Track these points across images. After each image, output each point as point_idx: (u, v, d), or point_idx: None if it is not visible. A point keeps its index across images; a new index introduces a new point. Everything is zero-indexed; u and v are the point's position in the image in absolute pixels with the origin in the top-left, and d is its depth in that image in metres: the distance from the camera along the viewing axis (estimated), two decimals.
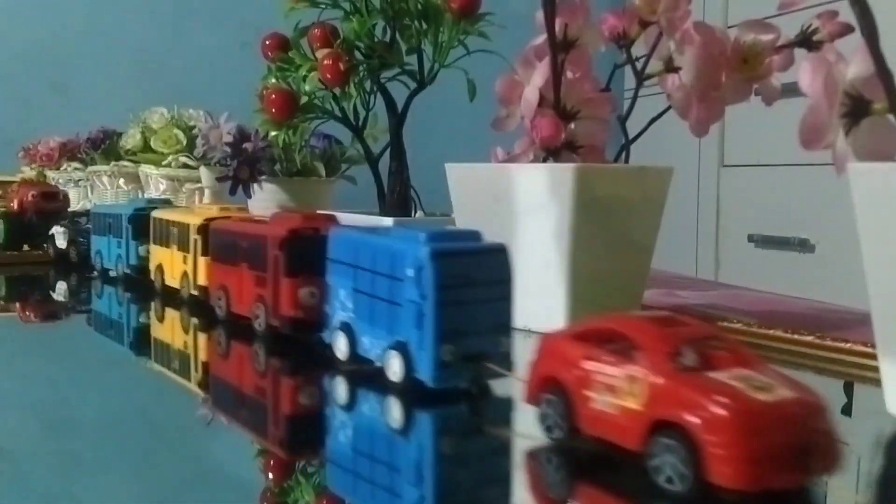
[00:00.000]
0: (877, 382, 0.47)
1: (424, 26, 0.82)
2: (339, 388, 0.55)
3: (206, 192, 1.29)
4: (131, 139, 1.36)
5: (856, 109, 0.46)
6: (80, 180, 1.54)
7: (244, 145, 0.99)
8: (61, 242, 1.11)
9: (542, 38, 0.71)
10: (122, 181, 1.42)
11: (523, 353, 0.46)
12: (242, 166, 0.99)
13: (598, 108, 0.72)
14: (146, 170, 1.34)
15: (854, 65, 0.46)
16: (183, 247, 0.79)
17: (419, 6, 0.81)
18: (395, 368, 0.49)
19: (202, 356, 0.69)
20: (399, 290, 0.49)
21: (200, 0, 2.22)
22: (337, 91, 0.82)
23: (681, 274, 1.16)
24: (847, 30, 0.63)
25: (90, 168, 1.48)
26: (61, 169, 1.57)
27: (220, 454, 0.46)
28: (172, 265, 0.82)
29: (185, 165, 1.31)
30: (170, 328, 0.80)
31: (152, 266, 0.87)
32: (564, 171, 0.65)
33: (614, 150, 0.74)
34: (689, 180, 2.08)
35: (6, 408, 0.54)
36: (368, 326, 0.52)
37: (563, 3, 0.69)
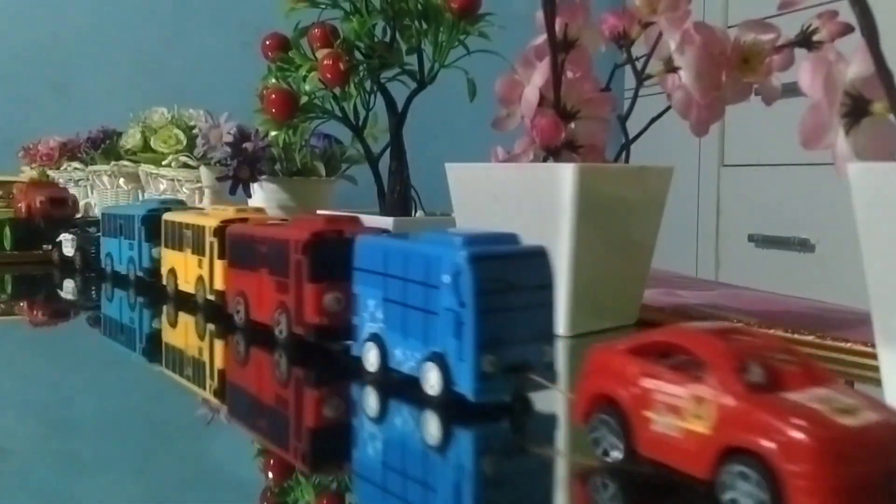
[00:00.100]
0: (877, 382, 0.47)
1: (424, 26, 0.82)
2: (370, 401, 0.52)
3: (206, 191, 1.29)
4: (131, 139, 1.36)
5: (856, 109, 0.46)
6: (80, 180, 1.54)
7: (244, 145, 0.99)
8: (68, 250, 1.09)
9: (542, 38, 0.71)
10: (122, 181, 1.42)
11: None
12: (242, 166, 0.99)
13: (598, 108, 0.72)
14: (146, 170, 1.34)
15: (854, 65, 0.46)
16: (198, 250, 0.77)
17: (419, 6, 0.81)
18: (432, 381, 0.46)
19: (219, 364, 0.67)
20: (434, 297, 0.46)
21: (200, 0, 2.21)
22: (337, 91, 0.82)
23: (681, 274, 1.16)
24: (847, 29, 0.63)
25: (90, 168, 1.48)
26: (61, 169, 1.57)
27: (220, 454, 0.46)
28: (186, 269, 0.79)
29: (185, 165, 1.31)
30: (184, 334, 0.77)
31: (164, 270, 0.84)
32: (564, 171, 0.65)
33: (614, 150, 0.74)
34: (689, 180, 2.08)
35: (6, 408, 0.54)
36: (401, 337, 0.49)
37: (563, 3, 0.69)
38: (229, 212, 0.76)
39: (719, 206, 2.07)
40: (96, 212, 1.36)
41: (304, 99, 0.83)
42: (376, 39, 0.81)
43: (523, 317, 0.46)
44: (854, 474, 0.30)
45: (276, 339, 0.62)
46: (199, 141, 1.20)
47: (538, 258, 0.47)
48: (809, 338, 0.63)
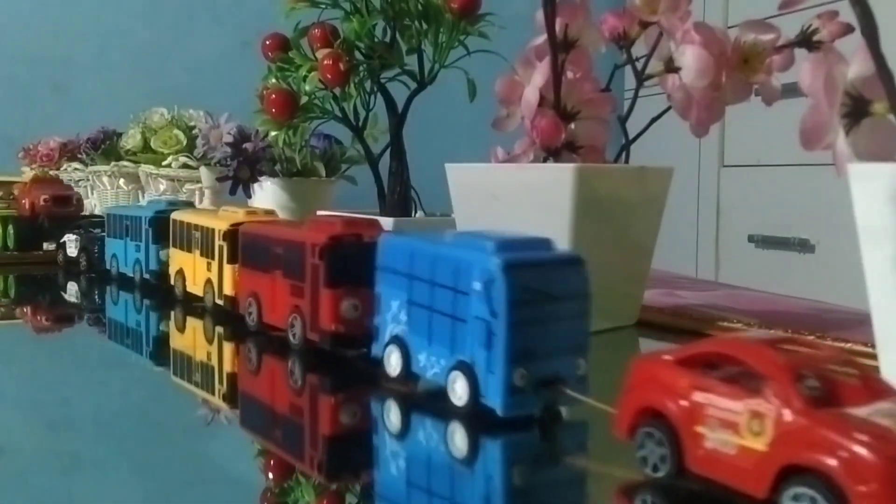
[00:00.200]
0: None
1: (424, 26, 0.82)
2: (391, 410, 0.50)
3: (207, 192, 1.29)
4: (131, 139, 1.36)
5: (856, 110, 0.46)
6: (80, 180, 1.54)
7: (244, 145, 0.99)
8: (72, 251, 1.07)
9: (542, 39, 0.71)
10: (122, 181, 1.42)
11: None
12: (243, 166, 0.99)
13: (598, 109, 0.72)
14: (146, 170, 1.34)
15: (854, 65, 0.46)
16: (207, 252, 0.75)
17: (419, 6, 0.81)
18: (459, 392, 0.44)
19: (231, 369, 0.65)
20: (464, 304, 0.44)
21: (200, 0, 2.22)
22: (337, 91, 0.82)
23: (681, 274, 1.16)
24: (847, 30, 0.63)
25: (90, 168, 1.48)
26: (61, 169, 1.57)
27: (220, 454, 0.46)
28: (195, 271, 0.78)
29: (186, 166, 1.31)
30: (192, 338, 0.75)
31: (172, 270, 0.82)
32: (564, 172, 0.65)
33: (614, 151, 0.74)
34: (689, 180, 2.08)
35: (6, 408, 0.54)
36: (426, 342, 0.47)
37: (563, 3, 0.69)
38: (239, 214, 0.74)
39: (719, 206, 2.07)
40: (97, 212, 1.36)
41: (305, 99, 0.83)
42: (376, 40, 0.81)
43: (557, 328, 0.44)
44: None
45: (289, 345, 0.61)
46: (199, 141, 1.20)
47: (574, 266, 0.45)
48: (809, 338, 0.63)
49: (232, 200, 0.99)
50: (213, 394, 0.58)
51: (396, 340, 0.50)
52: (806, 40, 0.66)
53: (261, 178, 1.01)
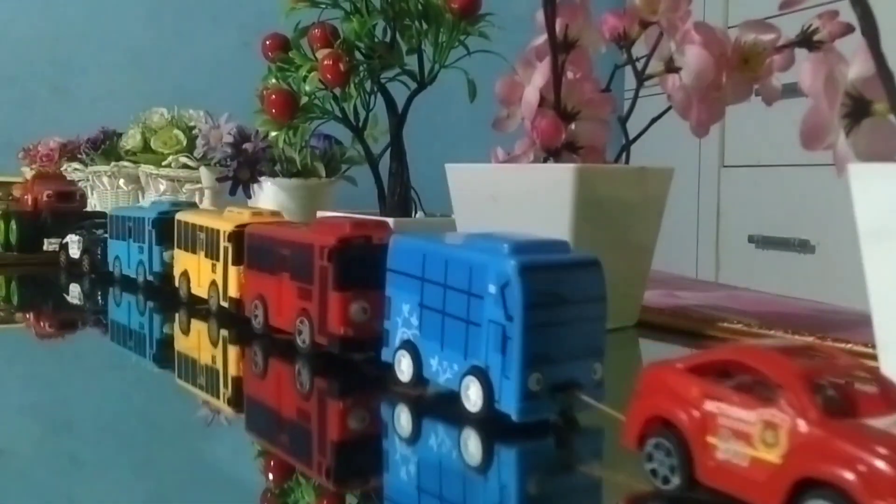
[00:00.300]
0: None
1: (425, 27, 0.82)
2: (402, 415, 0.49)
3: (207, 192, 1.29)
4: (131, 139, 1.36)
5: (856, 110, 0.46)
6: (80, 181, 1.54)
7: (244, 146, 0.99)
8: (74, 252, 1.06)
9: (542, 39, 0.71)
10: (122, 182, 1.42)
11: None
12: (243, 167, 0.99)
13: (598, 109, 0.72)
14: (146, 170, 1.34)
15: (855, 65, 0.46)
16: (211, 254, 0.74)
17: (419, 6, 0.81)
18: (473, 397, 0.43)
19: (237, 373, 0.64)
20: (478, 308, 0.43)
21: (200, 0, 2.22)
22: (337, 91, 0.82)
23: (681, 274, 1.16)
24: (848, 30, 0.63)
25: (90, 168, 1.48)
26: (61, 170, 1.57)
27: (220, 454, 0.46)
28: (199, 273, 0.77)
29: (186, 166, 1.31)
30: (197, 340, 0.74)
31: (177, 272, 0.81)
32: (564, 172, 0.65)
33: (614, 151, 0.74)
34: (689, 180, 2.08)
35: (6, 408, 0.54)
36: (438, 347, 0.46)
37: (563, 3, 0.69)
38: (245, 215, 0.73)
39: (719, 206, 2.07)
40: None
41: (305, 99, 0.83)
42: (376, 40, 0.81)
43: (573, 332, 0.43)
44: None
45: (296, 348, 0.59)
46: (199, 142, 1.20)
47: (590, 268, 0.44)
48: (809, 339, 0.63)
49: (232, 201, 0.99)
50: (218, 398, 0.57)
51: (407, 345, 0.49)
52: (806, 40, 0.66)
53: (261, 179, 1.01)
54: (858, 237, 0.45)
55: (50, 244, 1.15)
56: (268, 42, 0.84)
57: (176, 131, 1.33)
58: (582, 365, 0.44)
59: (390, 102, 0.84)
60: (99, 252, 1.01)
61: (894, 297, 0.44)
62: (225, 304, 0.72)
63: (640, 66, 0.72)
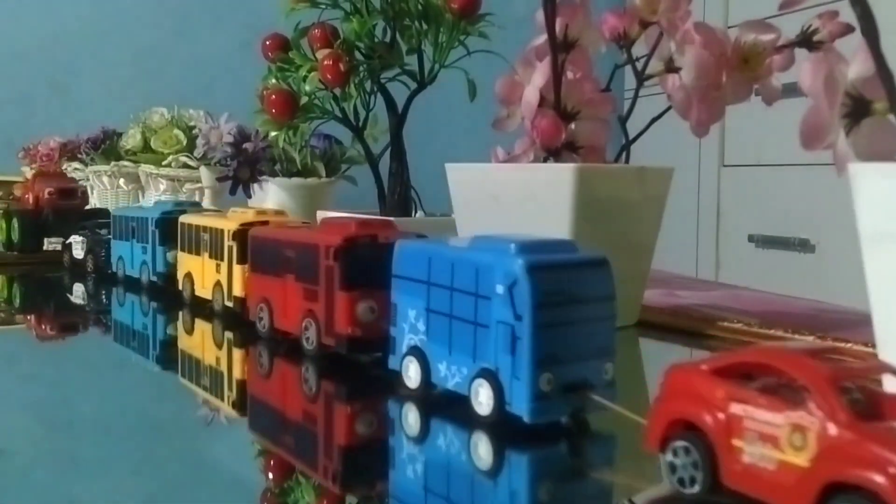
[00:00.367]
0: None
1: (425, 27, 0.82)
2: (410, 418, 0.48)
3: (207, 192, 1.29)
4: (131, 139, 1.36)
5: (856, 110, 0.46)
6: (80, 181, 1.54)
7: (244, 145, 0.99)
8: (78, 252, 1.05)
9: (542, 39, 0.71)
10: (122, 181, 1.42)
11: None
12: (243, 166, 0.99)
13: (598, 109, 0.72)
14: (146, 170, 1.34)
15: (855, 65, 0.46)
16: (216, 254, 0.73)
17: (419, 6, 0.81)
18: (483, 401, 0.43)
19: (242, 375, 0.63)
20: (486, 309, 0.43)
21: (200, 0, 2.22)
22: (337, 91, 0.82)
23: (681, 274, 1.16)
24: (847, 30, 0.63)
25: (90, 168, 1.48)
26: (61, 169, 1.57)
27: (220, 454, 0.46)
28: (203, 274, 0.76)
29: (186, 166, 1.31)
30: (201, 342, 0.73)
31: (180, 274, 0.81)
32: (564, 172, 0.65)
33: (614, 151, 0.74)
34: (689, 180, 2.08)
35: (6, 408, 0.54)
36: (446, 351, 0.46)
37: (563, 3, 0.69)
38: (249, 214, 0.72)
39: (719, 206, 2.07)
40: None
41: (305, 99, 0.83)
42: (376, 40, 0.81)
43: (583, 332, 0.43)
44: None
45: (302, 350, 0.59)
46: (199, 141, 1.20)
47: (599, 267, 0.44)
48: (809, 338, 0.63)
49: (232, 200, 0.99)
50: (223, 399, 0.56)
51: (415, 351, 0.48)
52: (806, 40, 0.66)
53: (261, 178, 1.01)
54: (858, 237, 0.45)
55: (50, 243, 1.15)
56: (268, 42, 0.84)
57: (176, 131, 1.33)
58: (593, 365, 0.43)
59: (390, 102, 0.84)
60: (103, 252, 1.00)
61: (894, 297, 0.44)
62: (229, 304, 0.72)
63: (640, 66, 0.73)
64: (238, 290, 0.70)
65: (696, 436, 0.33)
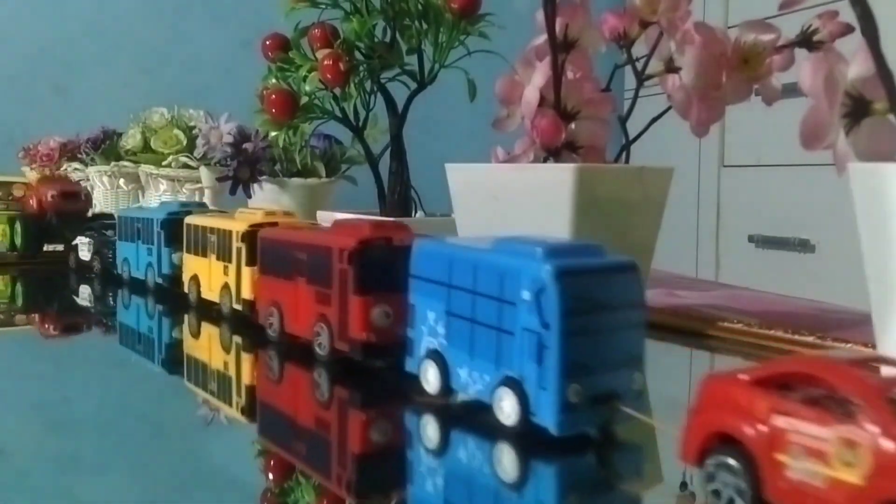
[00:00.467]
0: None
1: (425, 26, 0.82)
2: (429, 427, 0.47)
3: (207, 192, 1.29)
4: (131, 139, 1.36)
5: (856, 109, 0.46)
6: (80, 181, 1.54)
7: (244, 145, 0.99)
8: (84, 254, 1.05)
9: (542, 39, 0.70)
10: (122, 181, 1.42)
11: None
12: (243, 166, 0.99)
13: (598, 109, 0.72)
14: (146, 170, 1.34)
15: (855, 65, 0.46)
16: (223, 256, 0.72)
17: (419, 6, 0.81)
18: (508, 410, 0.41)
19: (251, 380, 0.62)
20: (510, 315, 0.41)
21: (200, 0, 2.22)
22: (337, 91, 0.82)
23: (681, 274, 1.16)
24: (847, 30, 0.63)
25: (90, 168, 1.48)
26: (61, 169, 1.57)
27: (220, 454, 0.46)
28: (210, 276, 0.75)
29: (186, 166, 1.31)
30: (208, 346, 0.71)
31: (186, 277, 0.79)
32: (564, 171, 0.65)
33: (614, 151, 0.74)
34: (689, 180, 2.08)
35: (6, 408, 0.54)
36: (467, 357, 0.44)
37: (563, 3, 0.69)
38: (257, 215, 0.71)
39: (719, 206, 2.07)
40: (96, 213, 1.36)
41: (305, 99, 0.83)
42: (376, 40, 0.81)
43: (612, 340, 0.41)
44: None
45: (314, 355, 0.57)
46: (199, 141, 1.20)
47: (628, 273, 0.43)
48: (809, 338, 0.63)
49: (232, 200, 0.99)
50: (232, 405, 0.55)
51: (434, 355, 0.46)
52: (806, 40, 0.66)
53: (261, 178, 1.02)
54: (858, 237, 0.45)
55: (51, 247, 1.14)
56: (268, 42, 0.84)
57: (176, 131, 1.33)
58: (622, 374, 0.42)
59: (390, 102, 0.84)
60: (110, 254, 0.99)
61: (894, 297, 0.44)
62: (238, 307, 0.70)
63: (640, 66, 0.72)
64: (247, 293, 0.69)
65: (737, 449, 0.32)
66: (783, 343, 0.64)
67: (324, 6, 0.82)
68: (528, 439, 0.41)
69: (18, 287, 1.08)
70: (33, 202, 1.19)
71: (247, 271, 0.69)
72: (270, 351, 0.63)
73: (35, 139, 1.63)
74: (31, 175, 1.51)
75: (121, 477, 0.41)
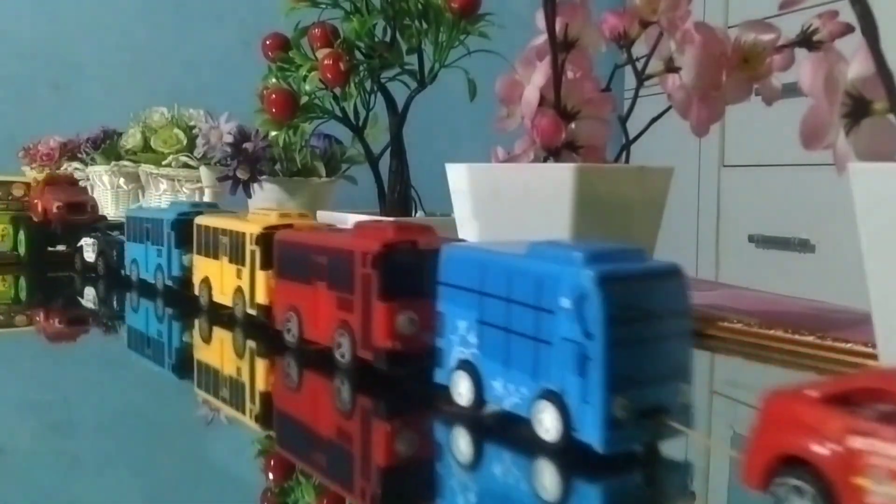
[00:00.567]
0: None
1: (425, 26, 0.82)
2: (461, 441, 0.44)
3: (207, 191, 1.29)
4: (132, 139, 1.36)
5: (856, 109, 0.46)
6: (80, 180, 1.54)
7: (244, 145, 0.99)
8: (90, 255, 1.02)
9: (542, 38, 0.70)
10: (122, 181, 1.42)
11: None
12: (243, 166, 0.99)
13: (598, 108, 0.72)
14: (146, 170, 1.34)
15: (855, 65, 0.46)
16: (236, 259, 0.70)
17: (419, 6, 0.81)
18: (548, 425, 0.39)
19: (268, 388, 0.59)
20: (549, 324, 0.39)
21: (200, 0, 2.22)
22: (337, 91, 0.82)
23: None
24: (847, 30, 0.63)
25: (90, 168, 1.48)
26: (61, 169, 1.57)
27: (220, 454, 0.46)
28: (222, 279, 0.72)
29: (186, 165, 1.31)
30: (220, 351, 0.69)
31: (196, 279, 0.77)
32: (564, 171, 0.65)
33: (614, 150, 0.74)
34: (689, 180, 2.08)
35: (6, 408, 0.54)
36: (501, 368, 0.42)
37: (563, 3, 0.69)
38: (272, 217, 0.69)
39: (719, 206, 2.07)
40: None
41: (305, 99, 0.83)
42: (377, 39, 0.81)
43: (659, 350, 0.39)
44: None
45: (334, 363, 0.55)
46: (199, 141, 1.20)
47: (674, 278, 0.40)
48: (809, 338, 0.63)
49: (232, 200, 0.99)
50: (247, 415, 0.53)
51: (465, 365, 0.44)
52: (806, 40, 0.66)
53: (261, 178, 1.01)
54: (858, 237, 0.45)
55: (55, 248, 1.13)
56: (268, 42, 0.84)
57: (176, 130, 1.33)
58: (669, 387, 0.39)
59: (390, 102, 0.84)
60: (115, 255, 0.98)
61: (894, 296, 0.44)
62: (252, 312, 0.68)
63: (640, 65, 0.72)
64: (262, 298, 0.67)
65: (808, 472, 0.29)
66: (783, 343, 0.64)
67: (324, 6, 0.82)
68: (569, 456, 0.39)
69: (21, 288, 1.08)
70: (38, 207, 1.16)
71: (261, 275, 0.67)
72: (288, 358, 0.61)
73: (35, 139, 1.63)
74: (31, 174, 1.51)
75: (121, 477, 0.41)
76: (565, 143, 0.71)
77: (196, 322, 0.76)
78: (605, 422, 0.37)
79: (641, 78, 0.72)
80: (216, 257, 0.73)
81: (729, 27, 0.70)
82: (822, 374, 0.59)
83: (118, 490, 0.40)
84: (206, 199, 1.27)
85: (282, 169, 1.07)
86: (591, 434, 0.37)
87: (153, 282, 0.87)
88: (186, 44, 2.18)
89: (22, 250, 1.15)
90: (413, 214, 0.87)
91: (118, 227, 1.01)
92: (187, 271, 0.81)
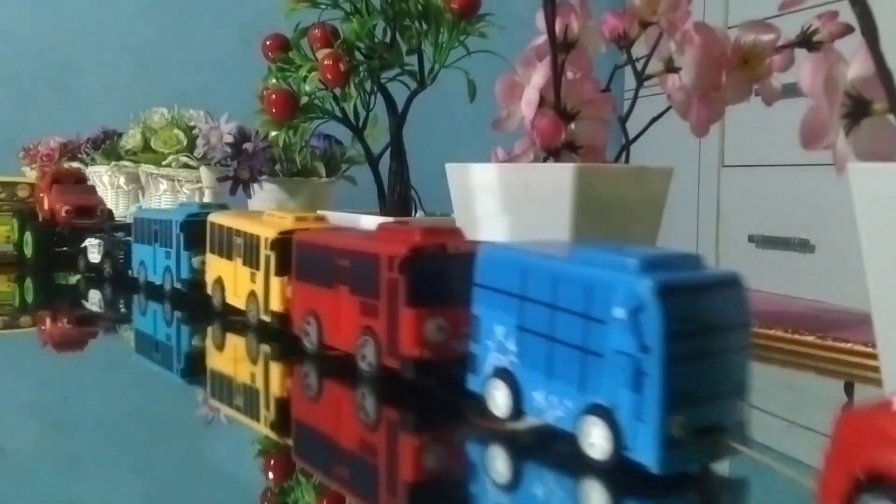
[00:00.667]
0: (878, 383, 0.47)
1: (425, 27, 0.82)
2: (498, 456, 0.42)
3: (207, 192, 1.29)
4: (132, 139, 1.36)
5: (856, 110, 0.46)
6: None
7: (244, 145, 0.99)
8: (94, 256, 1.01)
9: (542, 39, 0.70)
10: (122, 181, 1.43)
11: None
12: (243, 167, 0.99)
13: (598, 109, 0.72)
14: (146, 170, 1.34)
15: (854, 65, 0.46)
16: (250, 262, 0.67)
17: (419, 6, 0.81)
18: (597, 442, 0.37)
19: (286, 396, 0.57)
20: (600, 335, 0.37)
21: (200, 0, 2.22)
22: (337, 91, 0.82)
23: None
24: (847, 30, 0.63)
25: (90, 168, 1.48)
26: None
27: (220, 454, 0.46)
28: (236, 281, 0.70)
29: (186, 166, 1.31)
30: (232, 357, 0.67)
31: (209, 279, 0.75)
32: (564, 172, 0.65)
33: (614, 151, 0.74)
34: (689, 180, 2.08)
35: (6, 408, 0.54)
36: (543, 378, 0.40)
37: (563, 3, 0.69)
38: (288, 220, 0.66)
39: (719, 206, 2.07)
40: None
41: (305, 99, 0.83)
42: (376, 40, 0.81)
43: (718, 365, 0.37)
44: None
45: (357, 371, 0.53)
46: (199, 141, 1.20)
47: (733, 288, 0.39)
48: (810, 338, 0.63)
49: (232, 200, 0.99)
50: (264, 424, 0.51)
51: (503, 373, 0.42)
52: (806, 40, 0.66)
53: (261, 178, 1.01)
54: (858, 237, 0.45)
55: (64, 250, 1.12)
56: (268, 42, 0.84)
57: (176, 131, 1.33)
58: (727, 404, 0.37)
59: (390, 102, 0.84)
60: (121, 256, 0.96)
61: (894, 296, 0.44)
62: (266, 318, 0.66)
63: (640, 66, 0.72)
64: (277, 305, 0.64)
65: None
66: (783, 343, 0.64)
67: (324, 6, 0.82)
68: (618, 476, 0.36)
69: (27, 289, 1.07)
70: (45, 205, 1.14)
71: (276, 281, 0.64)
72: (307, 365, 0.59)
73: (35, 139, 1.63)
74: (32, 175, 1.51)
75: (121, 477, 0.41)
76: (565, 143, 0.71)
77: (209, 328, 0.74)
78: (661, 441, 0.35)
79: (641, 78, 0.72)
80: (230, 258, 0.71)
81: (729, 27, 0.69)
82: (822, 374, 0.59)
83: (118, 490, 0.40)
84: (206, 199, 1.27)
85: (282, 169, 1.07)
86: (646, 453, 0.35)
87: (161, 284, 0.85)
88: (187, 44, 2.18)
89: (28, 251, 1.14)
90: (413, 215, 0.87)
91: (122, 227, 1.00)
92: (197, 274, 0.79)
